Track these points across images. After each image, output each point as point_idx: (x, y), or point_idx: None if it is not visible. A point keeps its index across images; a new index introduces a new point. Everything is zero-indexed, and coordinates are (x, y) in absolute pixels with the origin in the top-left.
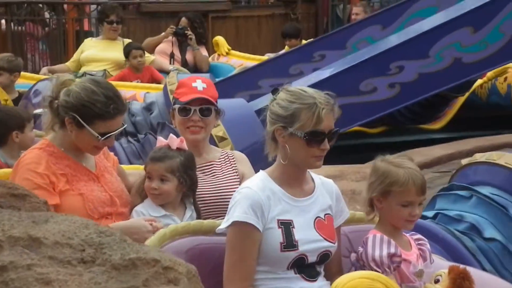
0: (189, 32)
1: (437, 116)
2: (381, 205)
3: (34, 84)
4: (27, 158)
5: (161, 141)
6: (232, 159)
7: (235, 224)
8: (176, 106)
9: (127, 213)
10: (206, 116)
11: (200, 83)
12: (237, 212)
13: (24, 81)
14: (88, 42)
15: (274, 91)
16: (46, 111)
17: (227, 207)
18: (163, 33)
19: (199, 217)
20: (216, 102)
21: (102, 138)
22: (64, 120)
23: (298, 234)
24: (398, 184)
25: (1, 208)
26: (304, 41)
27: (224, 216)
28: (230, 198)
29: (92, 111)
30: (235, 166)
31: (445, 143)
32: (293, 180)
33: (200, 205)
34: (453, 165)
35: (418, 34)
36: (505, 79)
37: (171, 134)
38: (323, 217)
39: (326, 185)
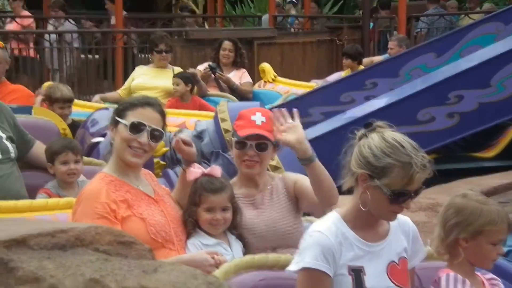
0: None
1: (490, 144)
2: (467, 245)
3: (91, 114)
4: (87, 190)
5: (194, 172)
6: (284, 185)
7: (305, 270)
8: (233, 139)
9: (185, 240)
10: (262, 151)
11: (259, 117)
12: (308, 257)
13: (77, 108)
14: (139, 70)
15: (367, 125)
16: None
17: (280, 240)
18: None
19: (244, 244)
20: None
21: (131, 128)
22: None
23: (369, 281)
24: (493, 223)
25: (110, 257)
26: (361, 66)
27: (278, 248)
28: (282, 231)
29: (124, 106)
30: (285, 194)
31: (498, 172)
32: (368, 225)
33: (250, 236)
34: (511, 195)
35: (479, 63)
36: None
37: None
38: (397, 261)
39: (402, 225)
